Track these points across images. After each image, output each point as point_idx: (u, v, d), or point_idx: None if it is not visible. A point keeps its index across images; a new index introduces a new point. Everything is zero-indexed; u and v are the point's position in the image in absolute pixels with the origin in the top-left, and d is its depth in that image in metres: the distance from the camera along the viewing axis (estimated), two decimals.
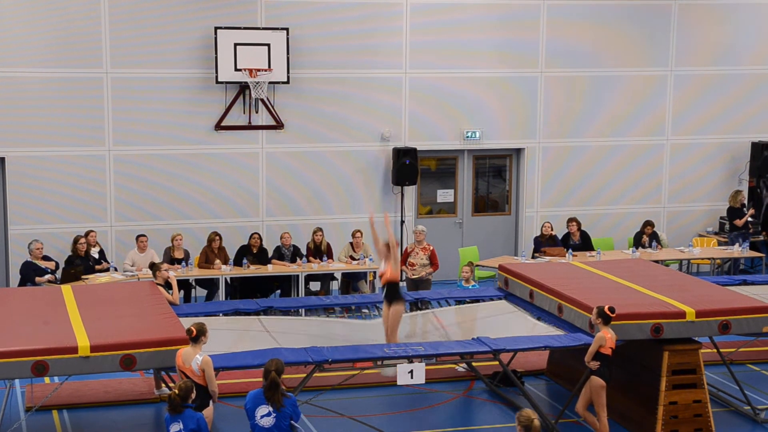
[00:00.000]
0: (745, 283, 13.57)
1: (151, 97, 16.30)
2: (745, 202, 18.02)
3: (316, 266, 15.72)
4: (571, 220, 16.92)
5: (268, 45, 16.28)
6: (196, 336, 9.51)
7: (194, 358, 9.40)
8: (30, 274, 14.50)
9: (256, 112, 16.67)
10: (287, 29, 16.42)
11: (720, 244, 17.79)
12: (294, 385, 10.67)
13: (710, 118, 18.67)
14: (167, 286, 12.42)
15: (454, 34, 17.34)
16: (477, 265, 15.27)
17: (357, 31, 16.96)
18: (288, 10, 16.61)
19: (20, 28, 15.73)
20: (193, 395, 8.73)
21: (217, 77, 16.22)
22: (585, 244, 16.84)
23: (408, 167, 17.09)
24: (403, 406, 11.93)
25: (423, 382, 10.51)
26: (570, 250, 16.18)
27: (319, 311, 12.96)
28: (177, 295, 12.56)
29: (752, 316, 11.13)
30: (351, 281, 16.10)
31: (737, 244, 17.02)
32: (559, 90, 17.94)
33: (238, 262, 15.56)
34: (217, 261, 15.46)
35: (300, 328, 12.20)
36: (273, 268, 15.59)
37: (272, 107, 16.73)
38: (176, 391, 8.57)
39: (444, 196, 18.19)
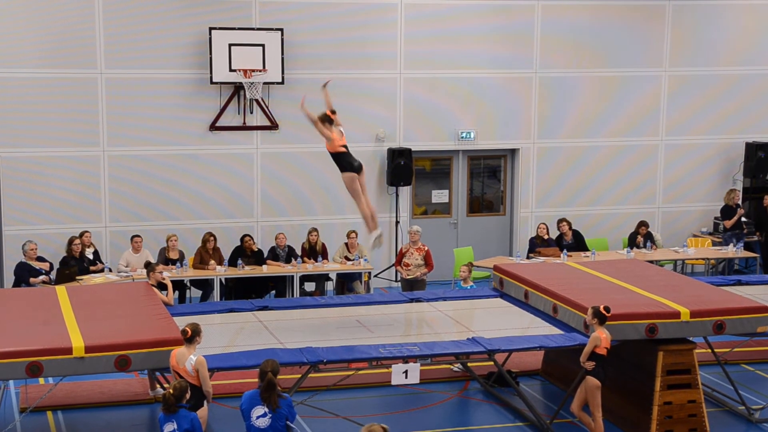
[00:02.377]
0: (739, 283, 13.59)
1: (145, 97, 16.28)
2: (740, 201, 18.04)
3: (311, 267, 15.71)
4: (561, 220, 16.94)
5: (263, 45, 16.28)
6: (191, 336, 9.50)
7: (188, 359, 9.39)
8: (24, 275, 14.47)
9: (251, 113, 16.66)
10: (282, 30, 16.41)
11: (714, 244, 17.81)
12: (289, 385, 10.67)
13: (705, 118, 18.69)
14: (160, 287, 12.41)
15: (449, 34, 17.33)
16: (473, 266, 15.26)
17: (352, 31, 16.96)
18: (283, 10, 16.60)
19: (14, 28, 15.71)
20: (188, 395, 8.73)
21: (211, 78, 16.21)
22: (578, 243, 16.85)
23: (403, 168, 17.09)
24: (398, 406, 11.93)
25: (417, 382, 10.51)
26: (564, 251, 16.19)
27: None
28: (171, 295, 12.55)
29: (747, 316, 11.16)
30: (346, 282, 16.09)
31: (731, 245, 17.05)
32: (553, 90, 17.95)
33: (232, 263, 15.55)
34: (212, 262, 15.44)
35: (294, 317, 12.31)
36: (268, 269, 15.58)
37: (267, 108, 16.72)
38: (171, 391, 8.57)
39: (439, 196, 18.20)
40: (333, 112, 11.68)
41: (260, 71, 16.24)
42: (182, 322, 10.35)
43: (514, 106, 17.87)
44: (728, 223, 17.73)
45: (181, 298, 15.34)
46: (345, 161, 11.65)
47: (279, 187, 17.03)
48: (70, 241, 15.03)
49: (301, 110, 11.67)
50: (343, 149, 11.64)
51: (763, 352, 13.93)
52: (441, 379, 12.78)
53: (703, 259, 17.15)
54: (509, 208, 18.41)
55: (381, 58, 17.17)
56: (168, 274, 13.58)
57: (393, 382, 10.44)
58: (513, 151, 18.19)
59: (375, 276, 16.70)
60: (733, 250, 16.93)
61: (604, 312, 10.36)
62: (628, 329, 10.78)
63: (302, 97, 11.96)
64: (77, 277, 14.51)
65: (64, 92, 15.96)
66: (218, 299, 15.30)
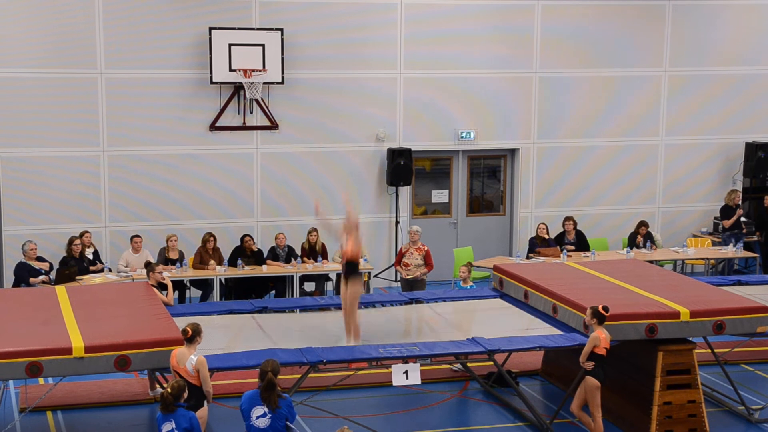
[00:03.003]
0: (739, 283, 13.60)
1: (145, 97, 16.28)
2: (740, 202, 18.04)
3: (311, 267, 15.71)
4: (567, 219, 16.94)
5: (263, 45, 16.28)
6: (191, 336, 9.50)
7: (189, 359, 9.39)
8: (24, 275, 14.47)
9: (251, 113, 16.66)
10: (282, 30, 16.41)
11: (714, 244, 17.81)
12: (289, 385, 10.67)
13: (705, 118, 18.69)
14: (160, 287, 12.41)
15: (449, 34, 17.33)
16: (472, 266, 15.26)
17: (352, 31, 16.96)
18: (283, 10, 16.60)
19: (14, 28, 15.71)
20: (186, 394, 8.73)
21: (211, 78, 16.22)
22: (580, 243, 16.84)
23: (402, 168, 17.09)
24: (398, 406, 11.93)
25: (418, 382, 10.51)
26: (564, 251, 16.19)
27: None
28: (171, 295, 12.55)
29: (746, 316, 11.16)
30: None
31: (731, 245, 17.05)
32: (553, 90, 17.94)
33: (232, 263, 15.55)
34: (212, 262, 15.44)
35: (293, 323, 12.30)
36: (267, 269, 15.58)
37: (267, 108, 16.72)
38: (169, 390, 8.57)
39: (439, 196, 18.20)
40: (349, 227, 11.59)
41: (260, 71, 16.24)
42: (182, 322, 10.35)
43: (514, 106, 17.87)
44: (727, 223, 17.72)
45: (181, 298, 15.34)
46: (357, 267, 11.57)
47: (279, 187, 17.03)
48: (70, 241, 15.03)
49: (318, 217, 11.60)
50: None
51: (763, 352, 13.94)
52: (441, 379, 12.77)
53: (702, 259, 17.15)
54: (509, 208, 18.41)
55: (381, 58, 17.17)
56: (168, 274, 13.58)
57: (393, 383, 10.44)
58: (513, 151, 18.19)
59: (375, 276, 16.70)
60: (733, 250, 16.93)
61: (602, 312, 10.36)
62: (628, 329, 10.78)
63: (316, 205, 11.85)
64: (77, 277, 14.51)
65: (64, 92, 15.96)
66: (218, 299, 15.30)
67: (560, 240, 16.83)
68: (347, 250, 11.46)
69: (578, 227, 17.17)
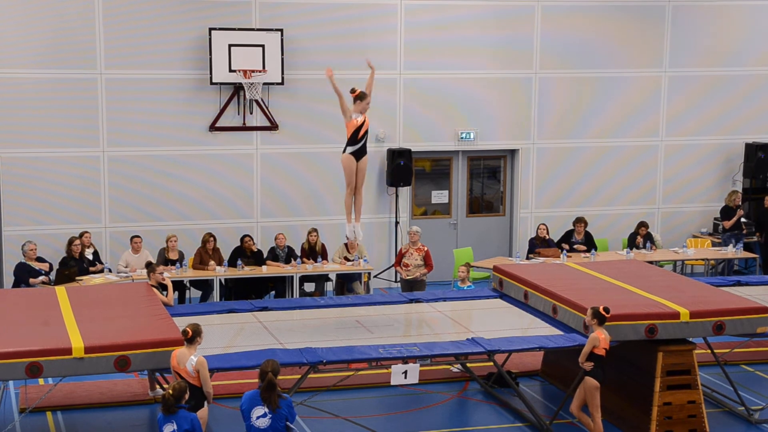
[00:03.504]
0: (739, 284, 13.59)
1: (145, 98, 16.28)
2: (740, 203, 18.04)
3: (311, 267, 15.70)
4: (579, 220, 16.90)
5: (263, 46, 16.28)
6: (192, 337, 9.50)
7: (189, 359, 9.39)
8: (24, 275, 14.47)
9: (251, 113, 16.66)
10: (281, 30, 16.42)
11: (714, 245, 17.81)
12: (289, 386, 10.67)
13: (704, 119, 18.69)
14: (160, 287, 12.41)
15: (449, 34, 17.34)
16: (472, 266, 15.27)
17: (351, 32, 16.97)
18: (282, 10, 16.61)
19: (14, 28, 15.71)
20: (187, 395, 8.73)
21: (211, 78, 16.22)
22: (588, 243, 16.81)
23: (402, 168, 17.10)
24: (398, 407, 11.94)
25: (417, 382, 10.51)
26: (564, 251, 16.20)
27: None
28: (171, 296, 12.55)
29: (746, 316, 11.16)
30: (345, 282, 16.09)
31: (731, 245, 17.05)
32: (553, 91, 17.95)
33: (232, 263, 15.55)
34: (212, 262, 15.44)
35: (294, 318, 12.36)
36: (267, 269, 15.58)
37: (266, 108, 16.73)
38: (170, 391, 8.57)
39: (438, 197, 18.20)
40: (357, 94, 11.42)
41: (260, 72, 16.25)
42: (182, 322, 10.35)
43: (514, 107, 17.87)
44: (727, 224, 17.73)
45: (181, 299, 15.34)
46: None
47: (279, 188, 17.03)
48: (70, 242, 15.03)
49: (329, 76, 11.58)
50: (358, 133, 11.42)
51: (763, 352, 13.95)
52: (441, 380, 12.78)
53: (702, 259, 17.15)
54: (509, 208, 18.41)
55: (381, 59, 17.12)
56: (168, 275, 13.58)
57: (392, 382, 10.44)
58: (513, 152, 18.19)
59: (375, 276, 16.70)
60: (733, 251, 16.94)
61: (603, 312, 10.36)
62: (628, 330, 10.78)
63: (329, 72, 11.80)
64: (77, 278, 14.51)
65: (64, 92, 15.96)
66: (218, 300, 15.30)
67: (568, 238, 16.81)
68: (366, 121, 11.32)
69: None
